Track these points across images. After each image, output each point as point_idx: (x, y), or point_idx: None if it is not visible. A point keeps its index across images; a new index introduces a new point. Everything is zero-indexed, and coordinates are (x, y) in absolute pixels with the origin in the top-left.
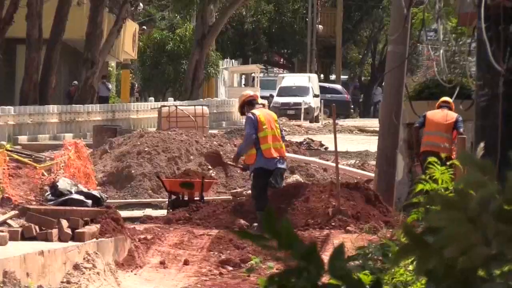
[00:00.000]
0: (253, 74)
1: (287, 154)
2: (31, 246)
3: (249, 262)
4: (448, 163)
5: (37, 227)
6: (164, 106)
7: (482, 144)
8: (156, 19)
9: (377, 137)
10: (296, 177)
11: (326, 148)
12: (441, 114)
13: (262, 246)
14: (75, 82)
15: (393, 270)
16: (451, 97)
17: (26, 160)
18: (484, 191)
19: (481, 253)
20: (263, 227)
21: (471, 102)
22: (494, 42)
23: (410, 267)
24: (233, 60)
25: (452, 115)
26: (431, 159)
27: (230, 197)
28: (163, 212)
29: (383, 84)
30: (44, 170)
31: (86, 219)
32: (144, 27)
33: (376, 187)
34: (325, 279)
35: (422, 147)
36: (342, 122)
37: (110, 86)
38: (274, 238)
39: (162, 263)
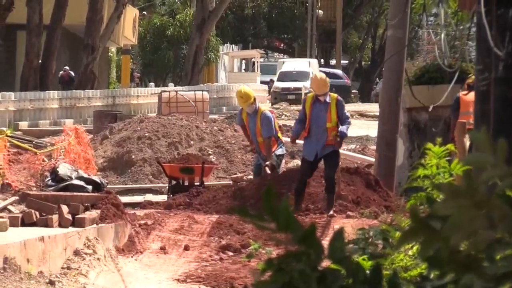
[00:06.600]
0: (253, 59)
1: (286, 139)
2: (32, 232)
3: (249, 248)
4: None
5: (37, 213)
6: (164, 91)
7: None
8: (156, 5)
9: (377, 122)
10: (296, 162)
11: None
12: (471, 94)
13: (261, 227)
14: (66, 67)
15: (393, 255)
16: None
17: (26, 146)
18: (491, 173)
19: (486, 238)
20: (262, 208)
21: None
22: (493, 26)
23: (410, 252)
24: (233, 45)
25: None
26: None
27: (231, 182)
28: (163, 198)
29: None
30: (45, 156)
31: (86, 204)
32: (144, 12)
33: (376, 172)
34: (325, 264)
35: None
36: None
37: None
38: (273, 219)
39: (162, 248)
